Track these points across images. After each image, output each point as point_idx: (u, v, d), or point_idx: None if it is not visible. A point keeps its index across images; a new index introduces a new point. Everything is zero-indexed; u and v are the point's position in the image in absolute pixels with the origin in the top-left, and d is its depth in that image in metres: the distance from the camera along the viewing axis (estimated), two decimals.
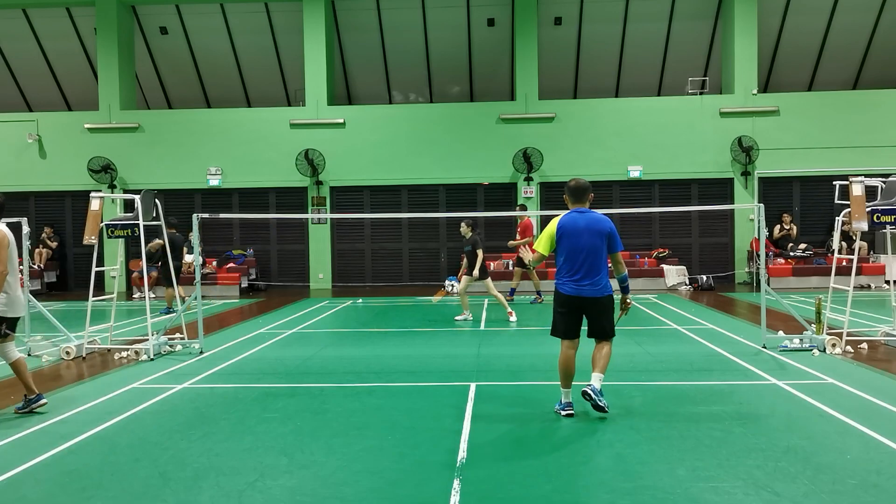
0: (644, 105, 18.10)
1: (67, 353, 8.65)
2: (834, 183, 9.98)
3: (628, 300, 5.81)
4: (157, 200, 9.17)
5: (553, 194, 18.17)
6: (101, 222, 8.92)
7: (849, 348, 8.16)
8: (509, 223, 18.27)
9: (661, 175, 17.86)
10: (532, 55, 18.15)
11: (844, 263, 14.03)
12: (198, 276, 8.89)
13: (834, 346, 8.09)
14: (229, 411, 5.96)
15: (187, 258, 16.98)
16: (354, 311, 13.38)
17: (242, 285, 17.24)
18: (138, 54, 19.86)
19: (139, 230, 8.76)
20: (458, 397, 6.29)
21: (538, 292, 14.22)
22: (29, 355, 8.81)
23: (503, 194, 18.26)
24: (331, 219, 18.33)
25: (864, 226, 8.08)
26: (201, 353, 8.80)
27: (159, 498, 4.06)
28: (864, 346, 8.39)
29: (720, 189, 17.84)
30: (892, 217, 8.15)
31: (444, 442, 4.99)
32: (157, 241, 16.15)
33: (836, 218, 9.55)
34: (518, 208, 15.33)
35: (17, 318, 6.17)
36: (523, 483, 4.19)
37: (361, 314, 12.86)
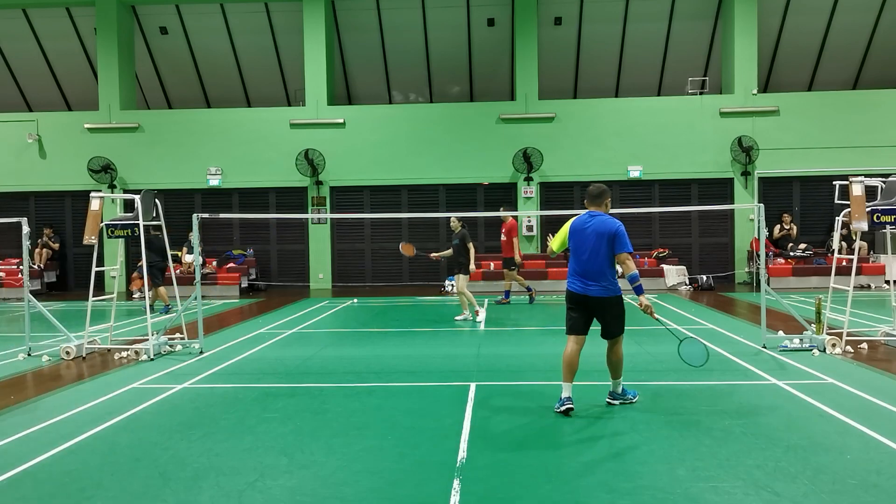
0: (644, 105, 18.10)
1: (67, 353, 8.64)
2: (834, 183, 9.99)
3: (642, 303, 5.81)
4: (157, 200, 9.17)
5: (553, 194, 18.19)
6: (101, 222, 8.92)
7: (849, 348, 8.16)
8: None
9: (661, 175, 17.86)
10: (532, 55, 18.15)
11: (844, 263, 14.04)
12: (198, 276, 8.89)
13: (834, 346, 8.09)
14: (229, 411, 5.96)
15: (187, 258, 17.00)
16: (354, 311, 13.38)
17: (242, 285, 17.25)
18: (138, 54, 19.86)
19: (139, 230, 8.76)
20: (458, 397, 6.30)
21: (506, 293, 14.12)
22: (29, 355, 8.82)
23: (503, 194, 18.26)
24: (331, 219, 18.33)
25: (864, 226, 8.08)
26: (201, 353, 8.80)
27: (159, 498, 4.06)
28: (864, 346, 8.39)
29: (720, 189, 17.84)
30: (892, 217, 8.15)
31: (444, 442, 5.00)
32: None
33: (836, 218, 9.54)
34: (502, 209, 15.30)
35: None
36: (523, 483, 4.19)
37: (361, 314, 12.86)
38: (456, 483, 4.20)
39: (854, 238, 8.95)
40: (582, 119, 18.08)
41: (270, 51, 19.96)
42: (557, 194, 18.17)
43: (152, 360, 8.42)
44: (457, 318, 11.65)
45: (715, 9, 18.80)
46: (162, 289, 13.55)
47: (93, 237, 8.52)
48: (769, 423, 5.34)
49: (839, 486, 4.05)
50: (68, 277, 19.05)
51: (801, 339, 8.42)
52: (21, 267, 13.98)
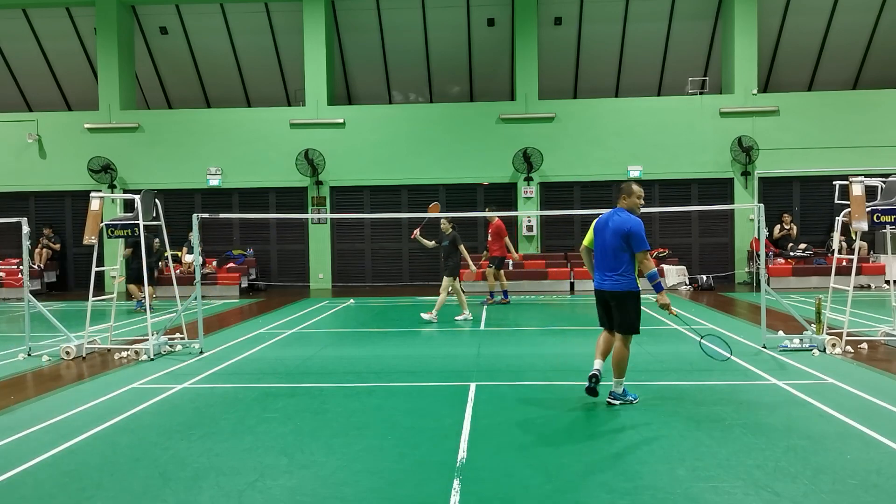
0: (644, 105, 18.10)
1: (67, 353, 8.64)
2: (834, 183, 9.99)
3: (660, 300, 5.89)
4: (157, 200, 9.17)
5: (553, 194, 18.19)
6: (101, 222, 8.92)
7: (849, 348, 8.16)
8: (509, 224, 18.27)
9: (661, 175, 17.86)
10: (532, 55, 18.15)
11: (844, 263, 14.04)
12: (198, 276, 8.89)
13: (834, 346, 8.09)
14: (229, 411, 5.96)
15: (187, 258, 17.01)
16: (354, 311, 13.38)
17: (242, 285, 17.25)
18: (138, 54, 19.86)
19: (139, 230, 8.76)
20: (458, 397, 6.30)
21: (491, 293, 14.13)
22: (29, 355, 8.82)
23: (503, 194, 18.26)
24: (331, 219, 18.34)
25: (864, 226, 8.08)
26: (201, 353, 8.80)
27: (159, 498, 4.06)
28: (864, 346, 8.39)
29: (720, 189, 17.84)
30: (892, 217, 8.15)
31: (444, 442, 5.00)
32: (156, 240, 16.20)
33: (836, 218, 9.54)
34: (488, 209, 15.30)
35: None
36: (523, 483, 4.19)
37: (361, 314, 12.86)
38: (456, 483, 4.20)
39: (854, 238, 8.94)
40: (582, 119, 18.08)
41: (270, 51, 19.96)
42: (557, 194, 18.18)
43: (152, 360, 8.42)
44: (457, 318, 11.64)
45: (715, 9, 18.81)
46: (133, 286, 13.68)
47: (93, 237, 8.52)
48: (769, 423, 5.34)
49: (839, 486, 4.05)
50: (68, 277, 19.05)
51: (801, 339, 8.42)
52: (21, 267, 13.98)
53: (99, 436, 5.29)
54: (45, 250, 17.99)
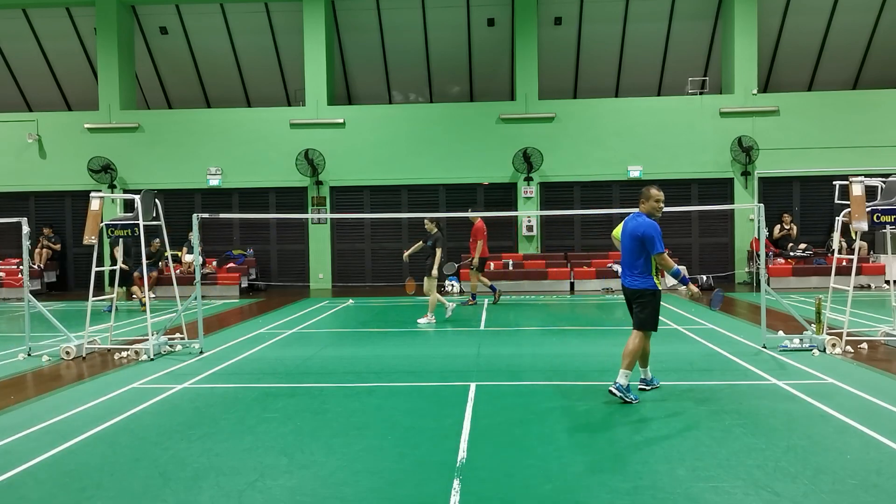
0: (644, 105, 18.10)
1: (67, 353, 8.64)
2: (834, 183, 9.98)
3: (690, 290, 6.26)
4: (157, 200, 9.17)
5: (553, 194, 18.19)
6: (101, 222, 8.92)
7: (849, 348, 8.16)
8: (510, 223, 18.29)
9: (661, 175, 17.85)
10: (532, 55, 18.15)
11: (844, 263, 14.04)
12: (198, 276, 8.89)
13: (834, 346, 8.09)
14: (229, 411, 5.96)
15: (187, 258, 17.01)
16: (354, 311, 13.38)
17: (242, 285, 17.25)
18: (138, 54, 19.86)
19: (139, 230, 8.76)
20: (458, 397, 6.30)
21: (473, 295, 14.15)
22: (29, 355, 8.82)
23: (503, 194, 18.26)
24: (331, 219, 18.34)
25: (864, 226, 8.08)
26: (201, 353, 8.80)
27: (159, 498, 4.06)
28: (864, 346, 8.39)
29: (720, 189, 17.84)
30: (892, 217, 8.15)
31: (444, 442, 5.00)
32: (156, 241, 16.21)
33: (836, 218, 9.54)
34: (469, 210, 15.31)
35: None
36: (523, 483, 4.19)
37: (361, 314, 12.86)
38: (456, 483, 4.20)
39: (854, 238, 8.94)
40: (582, 119, 18.08)
41: (270, 51, 19.96)
42: (557, 194, 18.18)
43: (152, 360, 8.42)
44: (419, 320, 11.53)
45: (715, 9, 18.80)
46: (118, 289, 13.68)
47: (93, 237, 8.52)
48: (769, 423, 5.34)
49: (839, 486, 4.05)
50: (68, 277, 19.05)
51: (801, 339, 8.42)
52: (21, 267, 13.98)
53: (99, 436, 5.29)
54: (45, 250, 17.99)
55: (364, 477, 4.34)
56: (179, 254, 17.24)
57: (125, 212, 9.66)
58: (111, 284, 13.44)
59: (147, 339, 8.89)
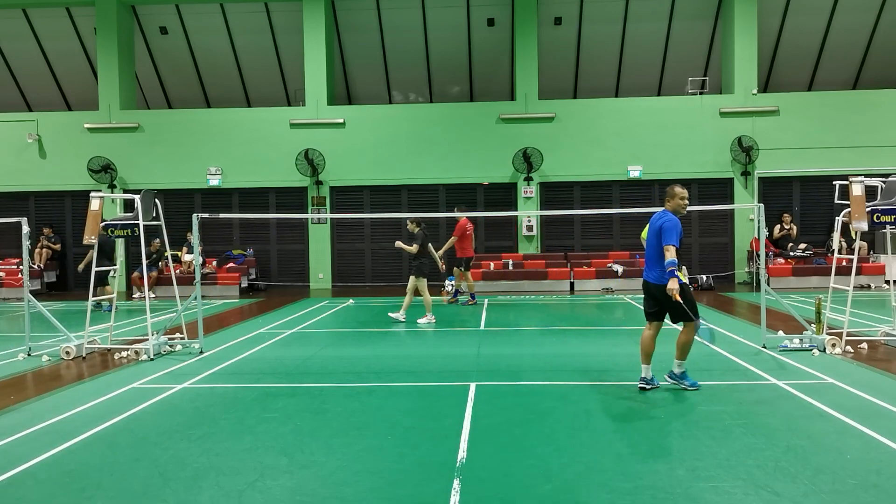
0: (644, 105, 18.10)
1: (67, 353, 8.64)
2: (834, 183, 9.98)
3: (669, 286, 6.12)
4: (156, 200, 9.17)
5: (553, 194, 18.19)
6: (101, 222, 8.92)
7: (849, 348, 8.16)
8: (510, 223, 18.30)
9: (661, 175, 17.86)
10: (532, 55, 18.15)
11: (844, 263, 14.03)
12: (198, 276, 8.89)
13: (834, 346, 8.09)
14: (229, 411, 5.96)
15: (186, 258, 17.01)
16: (354, 311, 13.38)
17: (242, 285, 17.25)
18: (138, 54, 19.86)
19: (139, 230, 8.76)
20: (458, 397, 6.29)
21: (472, 295, 14.15)
22: (29, 355, 8.82)
23: (503, 194, 18.26)
24: (331, 219, 18.34)
25: (864, 226, 8.08)
26: (201, 352, 8.80)
27: (159, 498, 4.06)
28: (864, 346, 8.39)
29: (720, 189, 17.84)
30: (892, 217, 8.15)
31: (444, 442, 4.99)
32: (156, 240, 16.21)
33: (836, 218, 9.54)
34: (456, 209, 15.32)
35: None
36: (523, 483, 4.19)
37: (361, 314, 12.86)
38: (456, 483, 4.20)
39: (854, 238, 8.94)
40: (582, 119, 18.08)
41: (270, 51, 19.96)
42: (557, 194, 18.18)
43: (152, 360, 8.42)
44: (391, 314, 11.69)
45: (715, 9, 18.80)
46: (109, 287, 13.69)
47: (93, 237, 8.53)
48: (769, 423, 5.34)
49: (839, 486, 4.05)
50: (68, 277, 19.04)
51: (801, 339, 8.42)
52: (21, 267, 13.98)
53: (99, 436, 5.29)
54: (45, 250, 17.99)
55: (364, 477, 4.34)
56: (179, 254, 17.23)
57: (125, 212, 9.66)
58: (100, 284, 13.51)
59: (147, 339, 8.89)
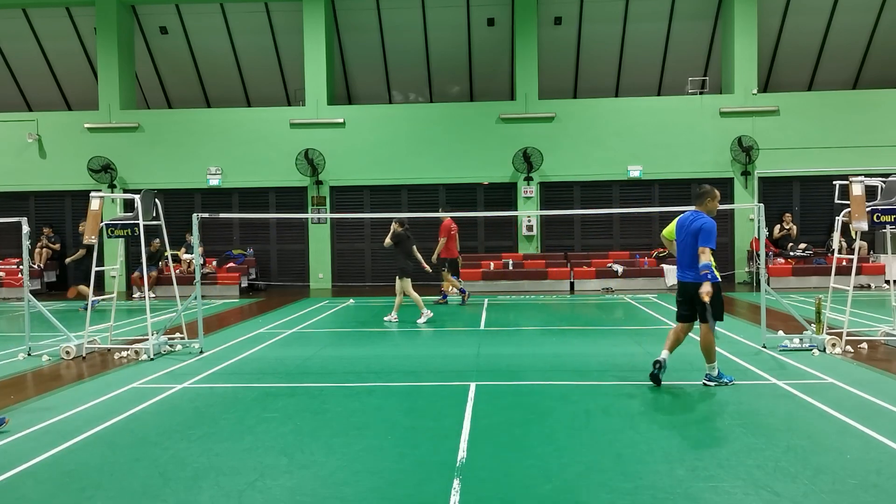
0: (644, 105, 18.10)
1: (67, 352, 8.64)
2: (834, 183, 9.98)
3: (703, 288, 6.18)
4: (156, 200, 9.17)
5: (553, 194, 18.19)
6: (101, 222, 8.92)
7: (849, 348, 8.16)
8: (510, 223, 18.30)
9: (661, 175, 17.86)
10: (532, 55, 18.15)
11: (844, 263, 14.03)
12: (198, 276, 8.89)
13: (834, 345, 8.09)
14: (229, 411, 5.96)
15: (185, 257, 17.00)
16: (354, 310, 13.38)
17: (242, 285, 17.24)
18: (138, 54, 19.86)
19: (139, 230, 8.76)
20: (458, 397, 6.29)
21: (461, 290, 14.11)
22: (29, 355, 8.82)
23: (503, 194, 18.26)
24: (331, 219, 18.34)
25: (864, 226, 8.08)
26: (201, 352, 8.80)
27: (159, 498, 4.06)
28: (864, 345, 8.39)
29: (720, 189, 17.71)
30: (892, 217, 8.15)
31: (444, 442, 4.99)
32: (156, 240, 16.20)
33: (836, 218, 9.54)
34: (440, 210, 15.34)
35: None
36: (523, 483, 4.19)
37: (361, 314, 12.86)
38: (456, 483, 4.20)
39: (854, 238, 8.94)
40: (582, 119, 18.08)
41: (270, 51, 19.96)
42: (557, 194, 18.18)
43: (152, 359, 8.42)
44: (385, 317, 11.68)
45: (715, 9, 18.80)
46: (83, 287, 13.67)
47: (93, 237, 8.52)
48: (769, 423, 5.34)
49: (839, 486, 4.05)
50: (68, 277, 18.98)
51: (801, 339, 8.42)
52: (21, 267, 13.98)
53: (99, 436, 5.29)
54: (44, 250, 17.99)
55: (364, 477, 4.34)
56: (178, 253, 17.23)
57: (125, 212, 9.66)
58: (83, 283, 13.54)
59: (147, 339, 8.89)
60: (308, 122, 18.29)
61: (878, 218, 8.20)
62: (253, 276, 18.08)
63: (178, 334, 9.59)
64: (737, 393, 6.31)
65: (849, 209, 8.22)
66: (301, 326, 11.26)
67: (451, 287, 14.17)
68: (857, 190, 8.11)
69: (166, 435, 5.27)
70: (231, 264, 17.56)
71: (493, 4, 18.83)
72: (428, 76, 20.50)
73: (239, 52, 20.09)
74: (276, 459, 4.68)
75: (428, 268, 12.43)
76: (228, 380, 7.30)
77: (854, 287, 8.61)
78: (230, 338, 10.08)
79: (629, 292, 15.83)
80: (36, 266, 17.50)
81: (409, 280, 11.52)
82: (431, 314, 11.53)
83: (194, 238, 8.91)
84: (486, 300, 14.57)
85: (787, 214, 17.18)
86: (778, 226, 17.22)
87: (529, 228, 18.02)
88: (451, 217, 13.96)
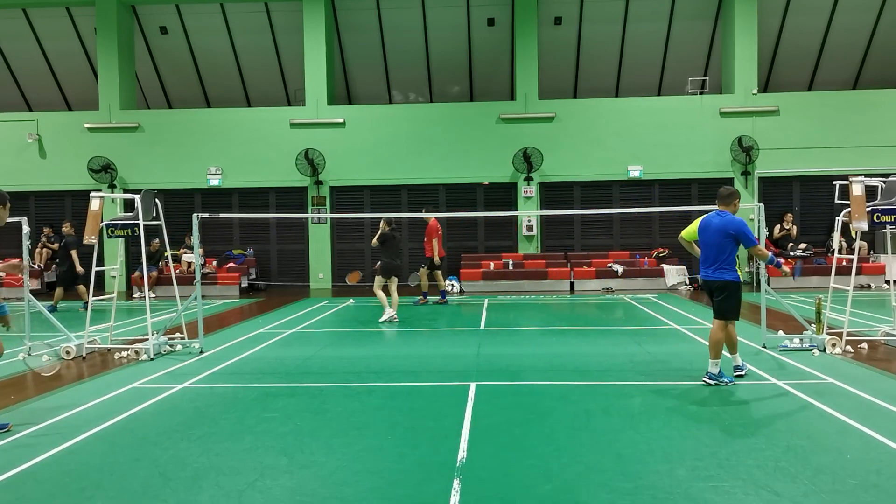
0: (644, 105, 18.10)
1: (67, 352, 8.64)
2: (834, 183, 9.98)
3: (784, 271, 6.86)
4: (156, 200, 9.17)
5: (553, 194, 18.18)
6: (101, 222, 8.92)
7: (849, 348, 8.16)
8: (510, 223, 18.30)
9: (661, 175, 17.86)
10: (532, 55, 18.15)
11: (844, 263, 14.03)
12: (198, 276, 8.89)
13: (834, 345, 8.09)
14: (229, 411, 5.96)
15: (186, 257, 17.00)
16: (354, 310, 13.38)
17: (242, 285, 17.24)
18: (138, 54, 19.86)
19: (139, 230, 8.76)
20: (458, 397, 6.29)
21: (443, 292, 14.28)
22: (29, 355, 8.81)
23: (503, 194, 18.26)
24: (331, 219, 18.33)
25: (864, 226, 8.08)
26: (201, 352, 8.80)
27: (159, 498, 4.06)
28: (864, 345, 8.39)
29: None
30: (892, 217, 8.15)
31: (444, 442, 4.99)
32: (155, 240, 16.19)
33: (836, 218, 9.54)
34: (424, 210, 15.36)
35: None
36: (523, 483, 4.19)
37: (361, 314, 12.86)
38: (456, 483, 4.20)
39: (854, 238, 8.94)
40: (582, 119, 18.08)
41: (270, 51, 19.96)
42: (557, 194, 18.17)
43: (152, 359, 8.42)
44: (381, 319, 11.62)
45: (715, 9, 18.80)
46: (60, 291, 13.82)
47: (93, 237, 8.52)
48: (769, 422, 5.34)
49: (839, 486, 4.05)
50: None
51: (801, 339, 8.42)
52: (21, 266, 13.96)
53: (99, 436, 5.29)
54: (44, 250, 17.99)
55: (364, 477, 4.34)
56: (178, 253, 17.23)
57: (125, 212, 9.66)
58: (63, 286, 13.65)
59: (147, 339, 8.89)
60: (308, 122, 18.29)
61: (878, 218, 8.20)
62: (253, 276, 18.08)
63: (178, 334, 9.59)
64: (737, 393, 6.31)
65: (849, 209, 8.22)
66: (301, 326, 11.26)
67: (425, 284, 14.24)
68: (857, 190, 8.10)
69: (166, 435, 5.27)
70: (231, 264, 17.56)
71: (493, 4, 18.83)
72: (428, 76, 20.50)
73: (239, 52, 20.09)
74: (276, 459, 4.68)
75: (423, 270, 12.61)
76: (228, 380, 7.30)
77: (854, 287, 8.61)
78: (230, 338, 10.08)
79: (629, 292, 15.83)
80: (36, 266, 17.49)
81: (396, 280, 11.54)
82: (397, 319, 11.51)
83: (194, 239, 8.91)
84: (487, 300, 14.57)
85: (788, 214, 17.18)
86: (778, 226, 17.22)
87: (529, 228, 18.02)
88: (435, 217, 14.14)
